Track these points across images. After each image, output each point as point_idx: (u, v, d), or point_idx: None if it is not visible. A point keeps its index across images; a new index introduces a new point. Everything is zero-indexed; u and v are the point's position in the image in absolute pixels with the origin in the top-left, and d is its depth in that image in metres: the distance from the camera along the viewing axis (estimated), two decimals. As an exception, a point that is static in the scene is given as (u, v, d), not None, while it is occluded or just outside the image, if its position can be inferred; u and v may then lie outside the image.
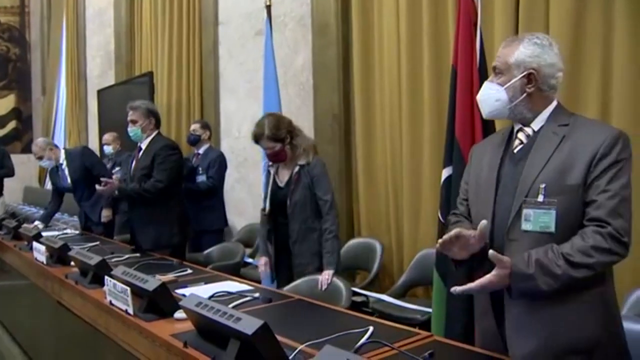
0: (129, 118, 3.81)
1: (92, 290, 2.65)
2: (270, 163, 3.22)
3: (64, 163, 4.83)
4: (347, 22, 4.45)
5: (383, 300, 3.54)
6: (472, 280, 1.80)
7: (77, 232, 4.85)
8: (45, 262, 3.35)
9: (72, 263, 3.11)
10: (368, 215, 4.32)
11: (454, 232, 1.65)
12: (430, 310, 3.13)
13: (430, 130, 3.75)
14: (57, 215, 7.55)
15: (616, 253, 1.57)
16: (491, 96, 1.78)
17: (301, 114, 4.78)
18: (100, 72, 8.89)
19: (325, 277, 2.91)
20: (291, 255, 3.10)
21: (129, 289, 2.20)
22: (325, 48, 4.55)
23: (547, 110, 1.76)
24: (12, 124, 11.74)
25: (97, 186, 3.68)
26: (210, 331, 1.80)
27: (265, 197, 3.22)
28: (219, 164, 4.90)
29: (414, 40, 3.87)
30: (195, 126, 5.09)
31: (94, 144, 8.19)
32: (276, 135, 3.04)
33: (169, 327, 2.04)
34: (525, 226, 1.66)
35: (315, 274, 3.00)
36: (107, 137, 5.76)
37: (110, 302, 2.36)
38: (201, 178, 4.83)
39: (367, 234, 4.31)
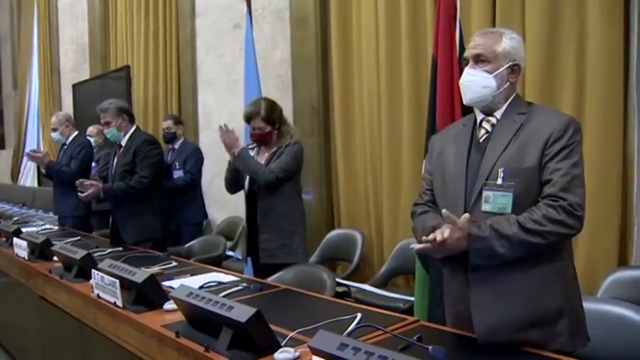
0: (102, 121, 3.83)
1: (77, 284, 2.65)
2: (252, 146, 3.26)
3: (67, 144, 4.87)
4: (325, 15, 4.47)
5: (365, 290, 3.59)
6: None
7: (56, 227, 4.81)
8: (26, 258, 3.33)
9: (55, 258, 3.10)
10: (348, 206, 4.37)
11: (438, 238, 1.66)
12: (411, 298, 3.19)
13: (409, 121, 3.80)
14: (32, 211, 7.50)
15: (568, 225, 1.65)
16: (477, 82, 1.84)
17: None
18: (74, 65, 8.77)
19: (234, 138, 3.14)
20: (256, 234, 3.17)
21: (117, 281, 2.22)
22: (304, 41, 4.57)
23: (508, 100, 1.86)
24: (-18, 120, 11.55)
25: (79, 194, 3.69)
26: (201, 321, 1.83)
27: (245, 178, 3.27)
28: (196, 158, 4.90)
29: (392, 32, 3.91)
30: (168, 123, 5.01)
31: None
32: (270, 117, 3.17)
33: (159, 318, 2.06)
34: (485, 207, 1.75)
35: (281, 250, 3.10)
36: (92, 129, 5.65)
37: (98, 295, 2.37)
38: (178, 173, 4.79)
39: (347, 224, 4.36)
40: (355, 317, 1.89)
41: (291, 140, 3.20)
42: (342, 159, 4.37)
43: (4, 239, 4.00)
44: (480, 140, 1.85)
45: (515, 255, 1.66)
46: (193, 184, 4.83)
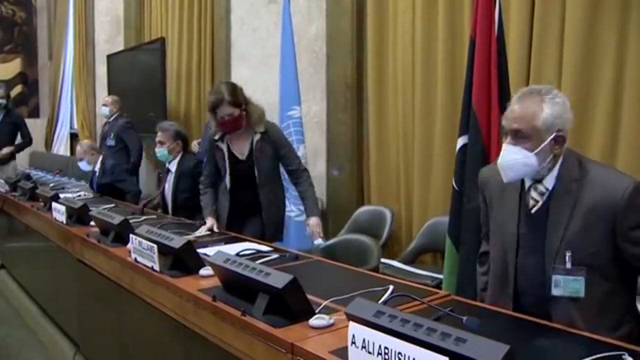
0: (157, 139, 3.85)
1: (115, 248, 2.73)
2: (217, 137, 3.16)
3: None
4: (362, -8, 4.46)
5: (393, 266, 3.63)
6: None
7: (91, 194, 4.93)
8: (64, 222, 3.44)
9: (92, 223, 3.19)
10: (378, 183, 4.40)
11: None
12: (439, 276, 3.22)
13: (443, 99, 3.79)
14: (65, 179, 7.67)
15: None
16: (518, 161, 1.73)
17: (314, 82, 4.82)
18: (108, 37, 8.86)
19: (316, 226, 3.06)
20: (243, 225, 3.22)
21: (156, 246, 2.28)
22: (340, 17, 4.56)
23: (557, 164, 1.76)
24: (18, 89, 11.72)
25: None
26: (238, 286, 1.87)
27: (225, 173, 3.20)
28: None
29: (428, 10, 3.89)
30: None
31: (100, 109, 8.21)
32: (236, 100, 3.01)
33: (195, 283, 2.12)
34: (556, 292, 1.72)
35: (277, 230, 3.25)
36: (107, 99, 5.89)
37: (136, 259, 2.44)
38: None
39: (377, 201, 4.39)
40: (388, 288, 1.92)
41: (265, 122, 3.15)
42: (374, 136, 4.38)
43: (42, 204, 4.12)
44: (532, 211, 1.79)
45: None
46: None
